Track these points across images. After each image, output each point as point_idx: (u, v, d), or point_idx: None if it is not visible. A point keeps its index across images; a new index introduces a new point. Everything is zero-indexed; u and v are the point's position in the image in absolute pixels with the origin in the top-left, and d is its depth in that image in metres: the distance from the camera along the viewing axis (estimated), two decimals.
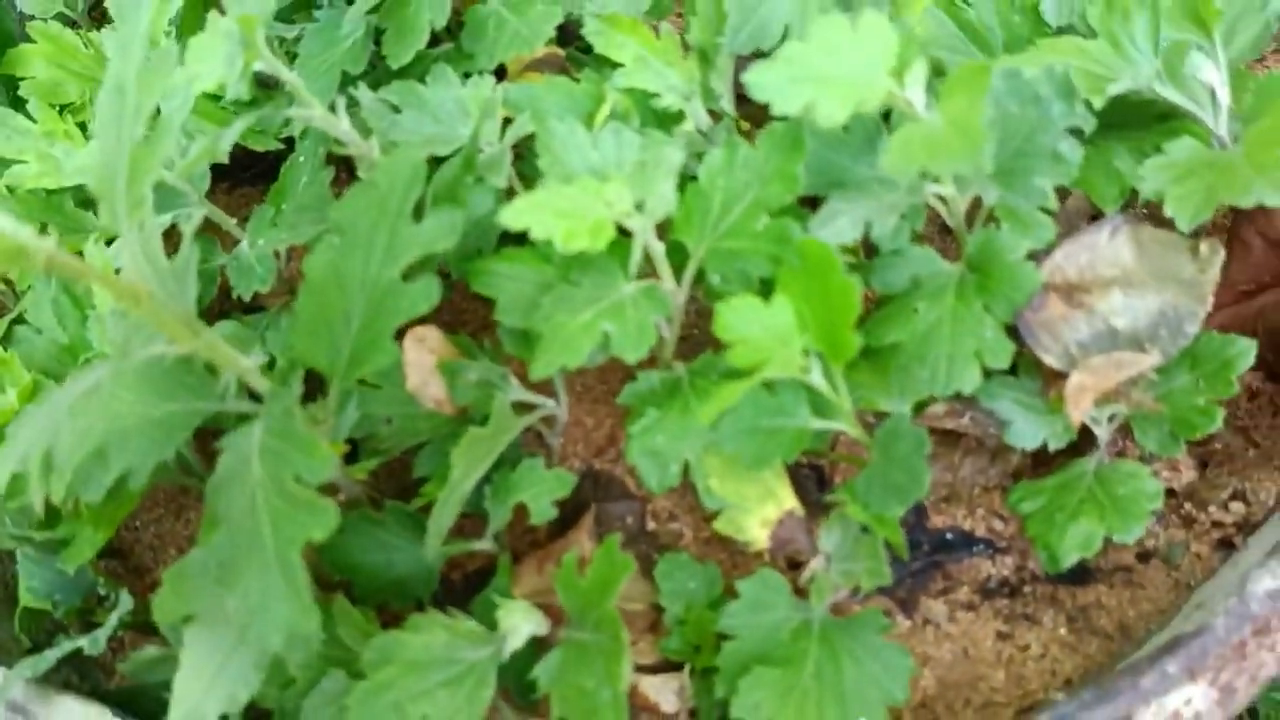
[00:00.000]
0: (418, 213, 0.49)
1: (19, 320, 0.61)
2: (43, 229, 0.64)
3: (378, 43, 0.63)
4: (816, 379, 0.50)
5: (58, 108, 0.66)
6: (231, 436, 0.44)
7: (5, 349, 0.58)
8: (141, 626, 0.56)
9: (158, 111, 0.41)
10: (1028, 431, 0.55)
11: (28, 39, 0.69)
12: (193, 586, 0.44)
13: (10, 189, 0.64)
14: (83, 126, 0.67)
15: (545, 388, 0.58)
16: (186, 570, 0.44)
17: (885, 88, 0.47)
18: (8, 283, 0.65)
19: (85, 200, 0.65)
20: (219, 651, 0.44)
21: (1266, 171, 0.47)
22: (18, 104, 0.67)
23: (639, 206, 0.49)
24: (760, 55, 0.58)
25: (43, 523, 0.54)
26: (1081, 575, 0.57)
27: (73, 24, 0.77)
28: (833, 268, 0.48)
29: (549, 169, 0.52)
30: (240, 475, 0.42)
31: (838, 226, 0.51)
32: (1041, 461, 0.59)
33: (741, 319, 0.49)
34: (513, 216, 0.47)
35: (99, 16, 0.78)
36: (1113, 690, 0.47)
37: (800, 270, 0.49)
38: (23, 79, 0.68)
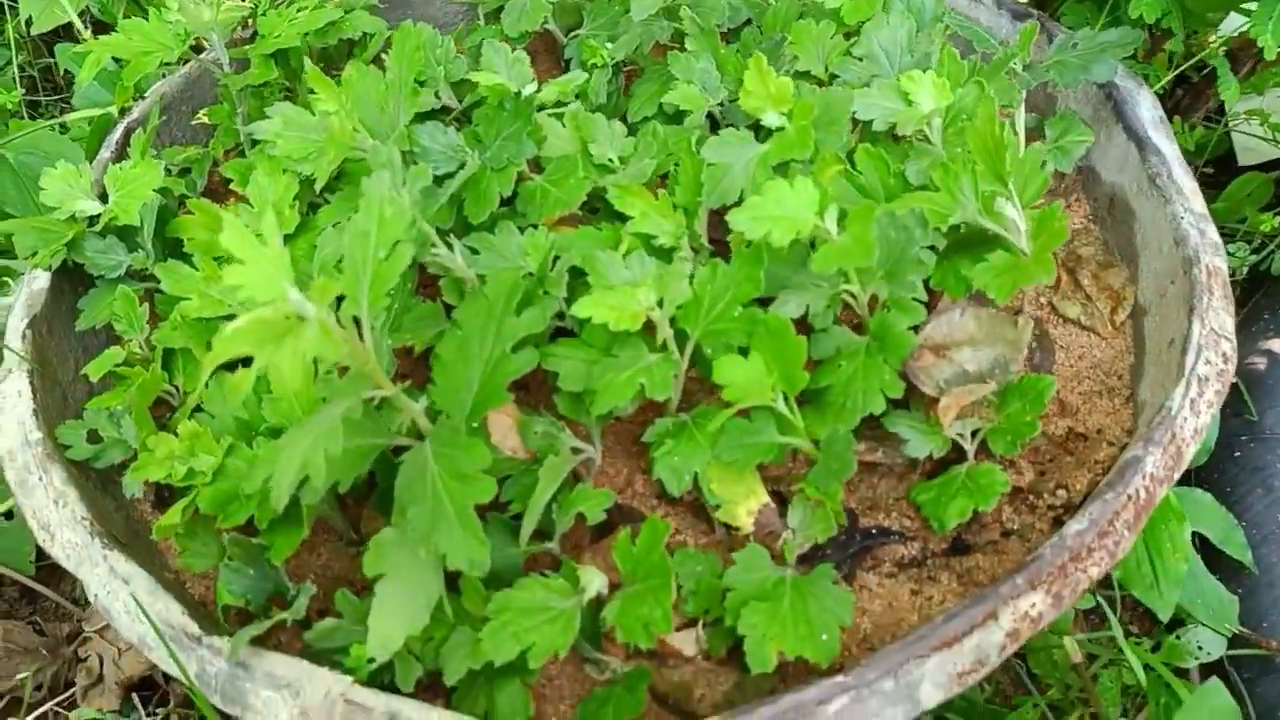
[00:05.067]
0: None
1: (199, 409, 0.79)
2: (207, 345, 0.85)
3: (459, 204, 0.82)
4: (780, 406, 0.69)
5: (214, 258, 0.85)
6: (408, 454, 0.62)
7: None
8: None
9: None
10: (919, 445, 0.72)
11: (187, 212, 0.88)
12: (387, 552, 0.61)
13: (182, 317, 0.83)
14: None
15: (586, 439, 0.76)
16: (382, 540, 0.61)
17: (812, 222, 0.69)
18: (176, 388, 0.84)
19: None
20: (402, 597, 0.61)
21: (1044, 268, 0.68)
22: (184, 257, 0.86)
23: (660, 303, 0.70)
24: (724, 208, 0.77)
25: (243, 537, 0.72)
26: (964, 549, 0.72)
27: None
28: (788, 330, 0.68)
29: (596, 282, 0.71)
30: (421, 473, 0.61)
31: (787, 308, 0.71)
32: (931, 475, 0.76)
33: (730, 369, 0.68)
34: (581, 309, 0.69)
35: (209, 192, 1.01)
36: (980, 597, 0.62)
37: (766, 335, 0.69)
38: (186, 239, 0.87)
